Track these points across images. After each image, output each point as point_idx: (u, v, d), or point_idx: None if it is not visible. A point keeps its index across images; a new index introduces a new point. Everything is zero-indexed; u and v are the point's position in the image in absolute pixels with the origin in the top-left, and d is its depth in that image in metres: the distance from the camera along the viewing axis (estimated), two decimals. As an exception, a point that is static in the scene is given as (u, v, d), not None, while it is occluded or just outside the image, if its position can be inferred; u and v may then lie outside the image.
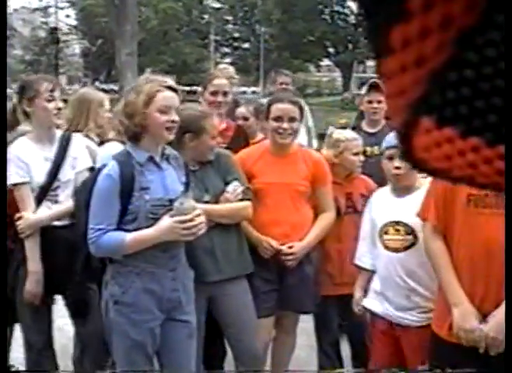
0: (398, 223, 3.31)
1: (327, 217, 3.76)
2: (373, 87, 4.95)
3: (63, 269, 3.32)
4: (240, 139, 4.33)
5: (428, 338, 3.02)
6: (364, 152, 4.29)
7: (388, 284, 3.36)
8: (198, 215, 2.94)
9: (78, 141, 3.64)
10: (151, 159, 2.98)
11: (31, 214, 3.40)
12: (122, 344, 3.02)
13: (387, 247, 3.35)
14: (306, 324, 4.12)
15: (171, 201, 2.94)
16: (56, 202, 3.49)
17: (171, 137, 2.97)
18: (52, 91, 3.45)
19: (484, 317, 2.78)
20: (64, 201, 3.48)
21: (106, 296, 3.04)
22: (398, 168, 3.31)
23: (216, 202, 3.45)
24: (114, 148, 3.68)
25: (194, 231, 2.92)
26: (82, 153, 3.60)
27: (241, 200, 3.46)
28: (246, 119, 4.70)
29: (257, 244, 3.62)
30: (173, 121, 2.93)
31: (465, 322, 2.77)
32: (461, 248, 2.85)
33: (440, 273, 2.92)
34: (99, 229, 2.91)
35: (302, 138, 5.46)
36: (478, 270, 2.79)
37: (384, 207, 3.44)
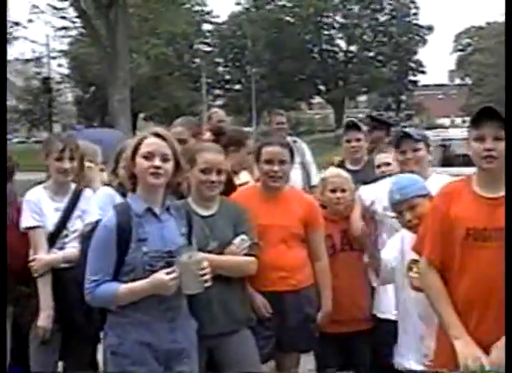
0: (416, 261, 3.19)
1: (323, 267, 3.77)
2: (350, 126, 4.98)
3: (75, 307, 3.48)
4: None
5: None
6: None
7: (404, 323, 3.34)
8: (206, 268, 2.91)
9: (89, 195, 3.81)
10: (149, 210, 2.98)
11: (44, 255, 3.62)
12: None
13: (411, 284, 3.29)
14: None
15: (169, 253, 2.93)
16: (62, 249, 3.69)
17: (158, 182, 2.95)
18: (62, 151, 3.66)
19: (484, 350, 2.73)
20: (72, 248, 3.66)
21: (105, 347, 3.03)
22: (409, 221, 3.30)
23: (221, 252, 3.40)
24: (105, 192, 3.74)
25: (193, 281, 2.88)
26: (91, 207, 3.73)
27: (247, 254, 3.42)
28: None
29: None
30: (156, 167, 2.92)
31: (469, 351, 2.72)
32: (460, 281, 2.81)
33: (438, 308, 2.88)
34: (94, 280, 2.92)
35: (296, 175, 5.40)
36: (477, 303, 2.77)
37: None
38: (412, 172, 3.66)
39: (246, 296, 3.55)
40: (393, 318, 3.62)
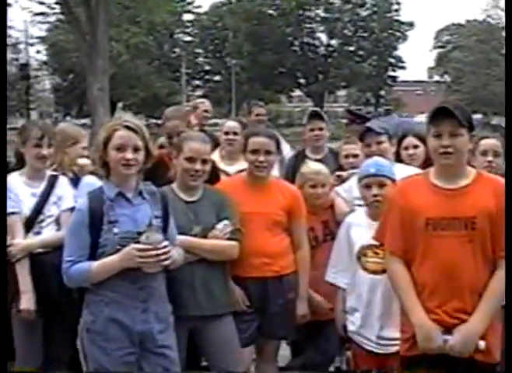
0: (377, 246, 3.39)
1: (304, 256, 3.84)
2: (314, 116, 5.10)
3: (54, 290, 3.55)
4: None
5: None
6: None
7: (367, 306, 3.46)
8: (165, 247, 3.00)
9: (64, 182, 3.85)
10: (120, 194, 3.10)
11: (21, 240, 3.65)
12: (96, 371, 3.06)
13: (365, 269, 3.47)
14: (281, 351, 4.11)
15: (140, 234, 3.01)
16: (39, 234, 3.72)
17: (129, 172, 3.07)
18: (41, 138, 3.70)
19: (446, 329, 2.86)
20: (48, 233, 3.72)
21: (81, 324, 3.13)
22: (375, 195, 3.48)
23: (205, 237, 3.49)
24: (91, 181, 3.83)
25: (152, 260, 2.97)
26: (67, 193, 3.81)
27: (230, 239, 3.51)
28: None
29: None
30: (127, 159, 3.03)
31: (429, 343, 2.86)
32: (422, 269, 2.93)
33: (401, 295, 3.00)
34: (69, 261, 3.05)
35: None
36: (439, 290, 2.89)
37: (362, 230, 3.54)
38: None
39: (228, 282, 3.63)
40: None
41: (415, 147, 4.40)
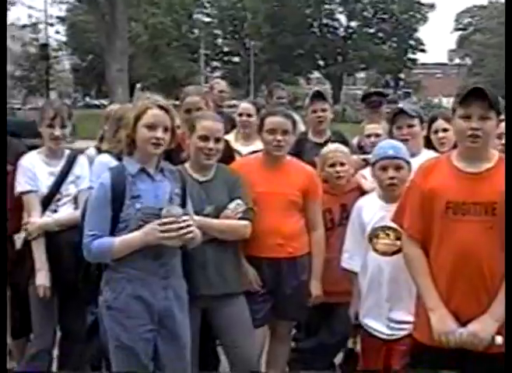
0: (388, 228, 3.38)
1: (318, 237, 3.84)
2: (316, 96, 4.79)
3: (69, 267, 3.57)
4: None
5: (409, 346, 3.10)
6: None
7: (376, 288, 3.45)
8: (185, 221, 3.02)
9: (83, 161, 3.91)
10: (143, 170, 3.12)
11: (38, 219, 3.70)
12: (116, 348, 3.10)
13: (375, 250, 3.45)
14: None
15: (162, 210, 3.03)
16: (55, 212, 3.77)
17: (157, 151, 3.10)
18: (53, 119, 3.73)
19: (460, 322, 2.81)
20: (65, 212, 3.78)
21: (101, 302, 3.14)
22: (392, 178, 3.44)
23: (217, 216, 3.50)
24: (105, 160, 3.80)
25: (174, 234, 3.00)
26: (85, 173, 3.86)
27: (242, 219, 3.53)
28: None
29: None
30: (157, 138, 3.06)
31: (443, 326, 2.81)
32: (439, 254, 2.88)
33: (417, 279, 2.96)
34: (91, 235, 3.05)
35: None
36: (456, 275, 2.83)
37: (375, 212, 3.52)
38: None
39: (240, 262, 3.65)
40: None
41: (445, 130, 4.23)
